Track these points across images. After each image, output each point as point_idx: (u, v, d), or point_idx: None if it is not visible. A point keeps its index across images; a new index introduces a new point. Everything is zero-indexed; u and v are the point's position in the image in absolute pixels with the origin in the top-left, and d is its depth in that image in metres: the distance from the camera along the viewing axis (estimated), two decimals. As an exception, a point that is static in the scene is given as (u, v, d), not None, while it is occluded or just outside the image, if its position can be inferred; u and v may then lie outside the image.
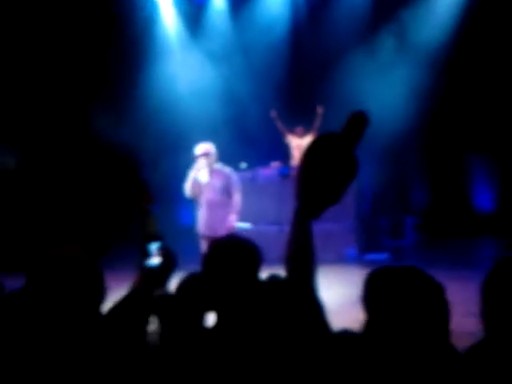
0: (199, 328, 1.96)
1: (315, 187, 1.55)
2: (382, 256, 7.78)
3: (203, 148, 5.67)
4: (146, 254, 2.16)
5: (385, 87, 9.24)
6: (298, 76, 10.40)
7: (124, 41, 9.54)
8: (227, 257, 1.75)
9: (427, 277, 1.44)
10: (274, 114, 9.07)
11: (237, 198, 5.71)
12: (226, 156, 9.17)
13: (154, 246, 2.21)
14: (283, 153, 9.26)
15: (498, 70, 9.29)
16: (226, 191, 5.69)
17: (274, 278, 2.65)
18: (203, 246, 5.60)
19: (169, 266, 2.23)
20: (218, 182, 5.67)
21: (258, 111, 9.66)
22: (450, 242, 8.68)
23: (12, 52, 8.82)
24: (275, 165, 8.78)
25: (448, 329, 1.42)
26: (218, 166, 5.78)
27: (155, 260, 2.16)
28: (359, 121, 1.49)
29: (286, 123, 9.17)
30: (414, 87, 9.21)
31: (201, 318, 2.06)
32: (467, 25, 9.31)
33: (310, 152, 1.55)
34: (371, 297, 1.46)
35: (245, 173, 8.65)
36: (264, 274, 2.56)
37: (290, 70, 10.37)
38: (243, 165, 8.82)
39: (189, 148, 5.89)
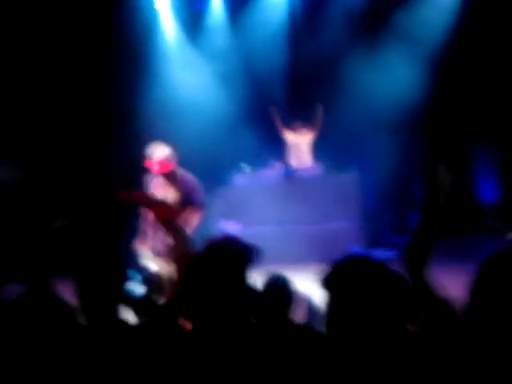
0: (178, 331, 1.95)
1: None
2: (388, 253, 7.77)
3: (163, 155, 4.30)
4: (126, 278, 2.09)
5: (387, 81, 9.23)
6: (298, 75, 10.36)
7: (124, 49, 9.56)
8: (216, 259, 1.76)
9: None
10: (272, 109, 9.09)
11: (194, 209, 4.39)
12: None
13: (137, 277, 2.14)
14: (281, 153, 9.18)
15: (502, 57, 9.26)
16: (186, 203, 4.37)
17: (275, 278, 2.65)
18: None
19: (153, 298, 2.17)
20: (181, 194, 4.35)
21: (257, 111, 9.57)
22: (455, 236, 8.64)
23: (12, 58, 8.83)
24: (279, 165, 8.76)
25: None
26: (181, 171, 4.51)
27: (138, 288, 2.09)
28: None
29: (284, 121, 9.15)
30: (417, 80, 9.20)
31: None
32: (469, 16, 9.28)
33: None
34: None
35: (248, 174, 8.67)
36: (266, 273, 2.57)
37: (289, 69, 10.32)
38: (246, 167, 8.81)
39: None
